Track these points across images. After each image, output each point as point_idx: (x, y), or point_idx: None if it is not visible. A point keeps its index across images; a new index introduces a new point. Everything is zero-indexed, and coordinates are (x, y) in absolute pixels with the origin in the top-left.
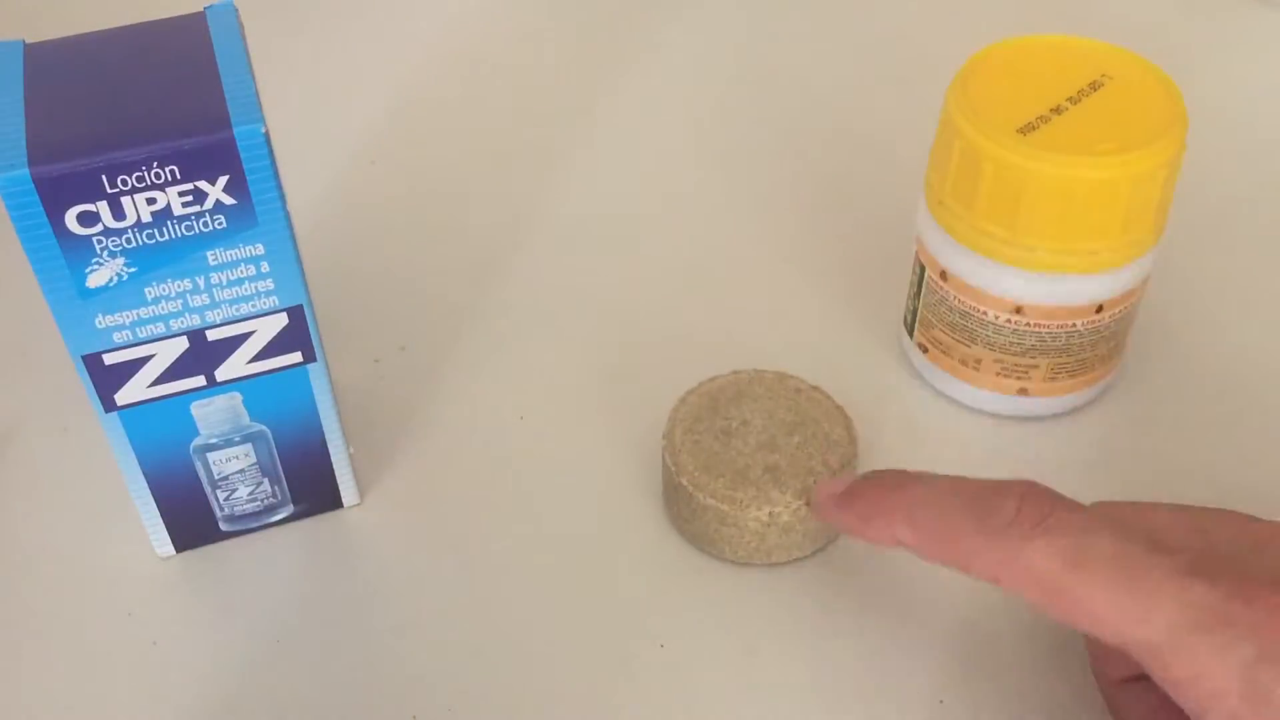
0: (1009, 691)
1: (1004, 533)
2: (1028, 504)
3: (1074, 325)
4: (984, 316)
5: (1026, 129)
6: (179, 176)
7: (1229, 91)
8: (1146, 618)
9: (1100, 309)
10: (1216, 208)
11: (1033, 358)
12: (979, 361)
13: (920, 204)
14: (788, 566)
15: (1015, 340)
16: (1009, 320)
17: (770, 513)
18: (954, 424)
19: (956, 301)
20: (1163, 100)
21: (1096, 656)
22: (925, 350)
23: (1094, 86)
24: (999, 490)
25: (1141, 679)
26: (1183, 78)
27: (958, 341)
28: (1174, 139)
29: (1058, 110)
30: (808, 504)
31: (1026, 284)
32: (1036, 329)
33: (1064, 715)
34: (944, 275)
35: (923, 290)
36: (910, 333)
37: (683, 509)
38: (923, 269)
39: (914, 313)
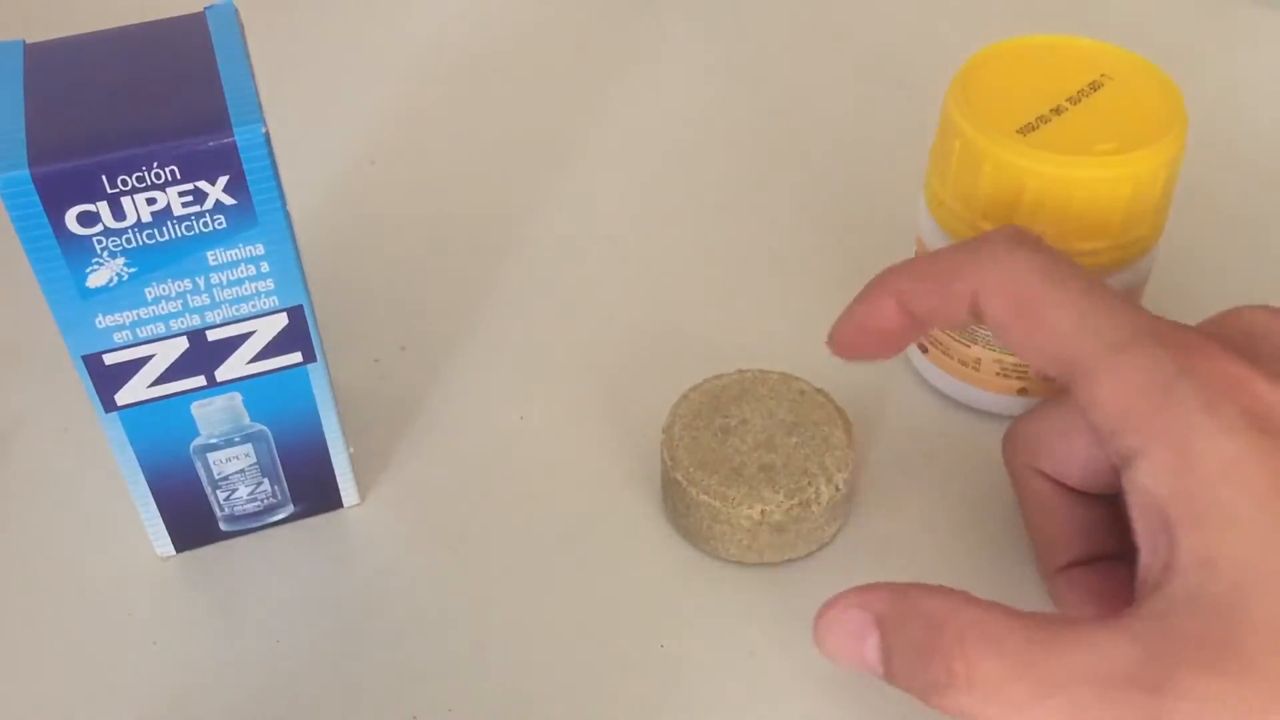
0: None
1: (990, 242)
2: (1015, 229)
3: None
4: None
5: (1026, 129)
6: (179, 176)
7: (1229, 91)
8: (1096, 332)
9: None
10: (1216, 208)
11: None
12: (979, 362)
13: (920, 204)
14: (788, 567)
15: None
16: None
17: (762, 511)
18: (954, 424)
19: None
20: (1162, 100)
21: (1041, 545)
22: (925, 350)
23: (1094, 87)
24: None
25: (1079, 564)
26: (1183, 78)
27: (957, 342)
28: (1174, 139)
29: (1058, 110)
30: (801, 505)
31: None
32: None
33: None
34: None
35: None
36: None
37: (678, 504)
38: None
39: None
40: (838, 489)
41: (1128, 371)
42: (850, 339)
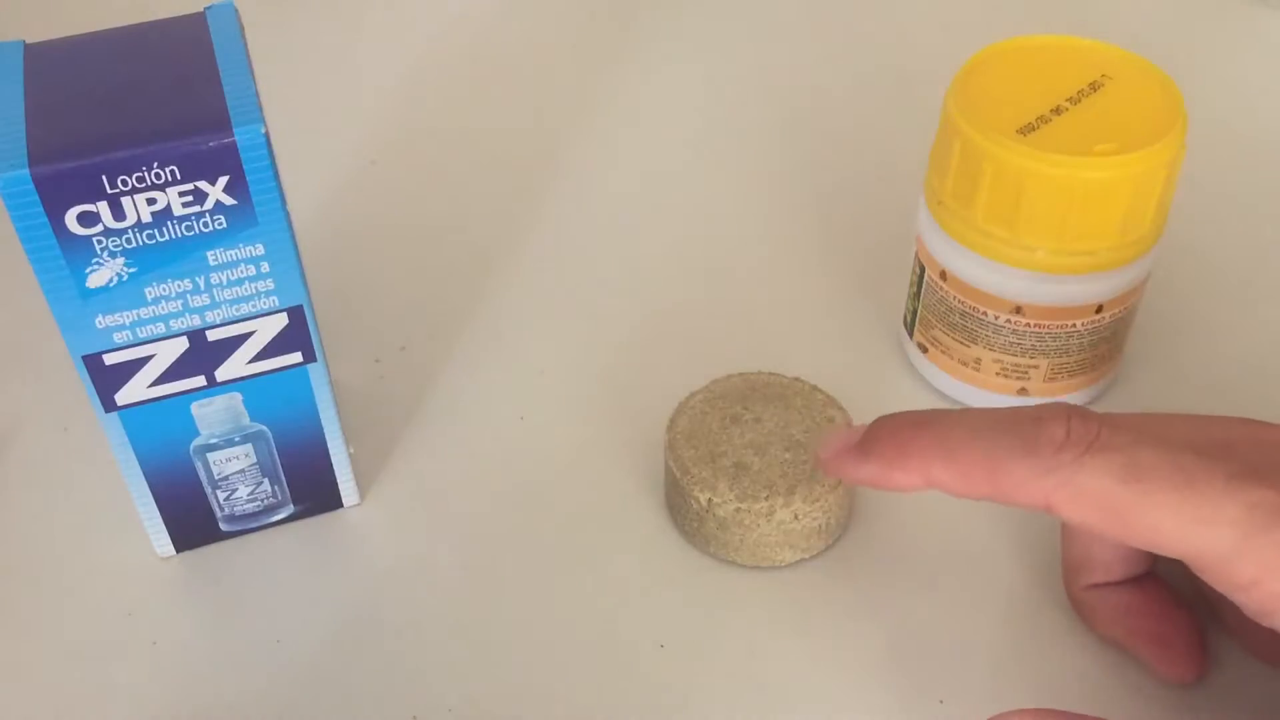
0: (1009, 691)
1: (1055, 457)
2: (1074, 425)
3: (1074, 325)
4: (984, 317)
5: (1026, 129)
6: (179, 177)
7: (1229, 92)
8: (1212, 521)
9: (1100, 309)
10: (1216, 208)
11: (1032, 358)
12: (979, 361)
13: (920, 204)
14: (788, 567)
15: (1015, 340)
16: (1009, 320)
17: (709, 500)
18: None
19: (956, 302)
20: (1162, 101)
21: (1070, 567)
22: (925, 350)
23: (1094, 87)
24: (1040, 417)
25: (1110, 585)
26: (1183, 78)
27: (958, 342)
28: (1174, 140)
29: (1058, 111)
30: (748, 511)
31: (1026, 284)
32: (1036, 329)
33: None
34: (944, 275)
35: (922, 290)
36: (910, 333)
37: (665, 464)
38: (922, 269)
39: (914, 313)
40: (795, 517)
41: (1265, 553)
42: (854, 481)
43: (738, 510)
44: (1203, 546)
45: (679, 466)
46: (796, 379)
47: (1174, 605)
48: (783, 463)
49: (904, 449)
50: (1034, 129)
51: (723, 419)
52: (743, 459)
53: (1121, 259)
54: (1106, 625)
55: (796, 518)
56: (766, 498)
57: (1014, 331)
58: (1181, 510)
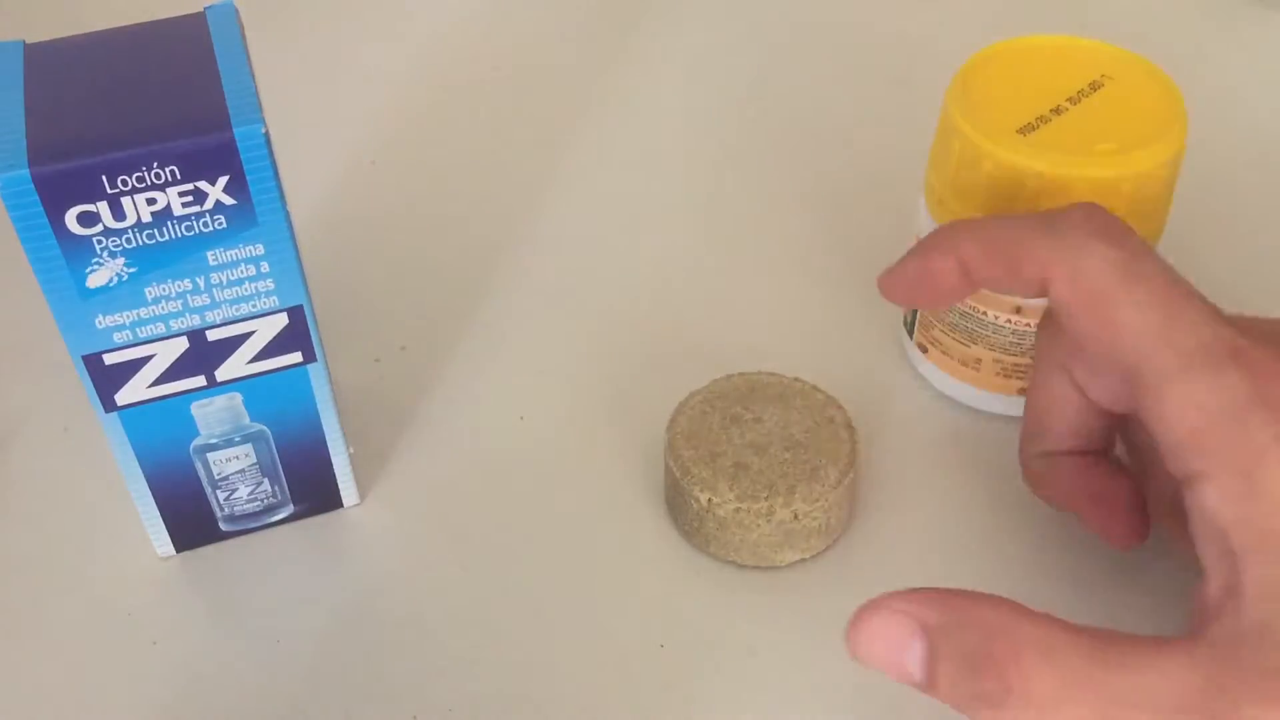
0: None
1: (1068, 232)
2: (1095, 213)
3: None
4: (984, 317)
5: (1026, 129)
6: (179, 177)
7: (1230, 92)
8: (1169, 342)
9: None
10: (1216, 208)
11: (1033, 358)
12: (979, 362)
13: (920, 203)
14: (788, 566)
15: (1015, 341)
16: (1009, 320)
17: (709, 500)
18: (954, 424)
19: None
20: (1163, 101)
21: (1026, 434)
22: (925, 351)
23: (1094, 87)
24: (1067, 207)
25: (1060, 453)
26: (1183, 78)
27: (958, 342)
28: (1174, 139)
29: (1058, 110)
30: (747, 512)
31: None
32: (1036, 330)
33: None
34: None
35: None
36: (910, 333)
37: (664, 464)
38: None
39: (914, 313)
40: (795, 516)
41: (1200, 394)
42: (903, 286)
43: (737, 510)
44: (1150, 361)
45: (679, 466)
46: (796, 379)
47: (1118, 474)
48: (783, 462)
49: (941, 234)
50: (1034, 128)
51: (723, 419)
52: (743, 459)
53: None
54: (1052, 490)
55: (796, 517)
56: (766, 498)
57: (1014, 332)
58: (1149, 319)
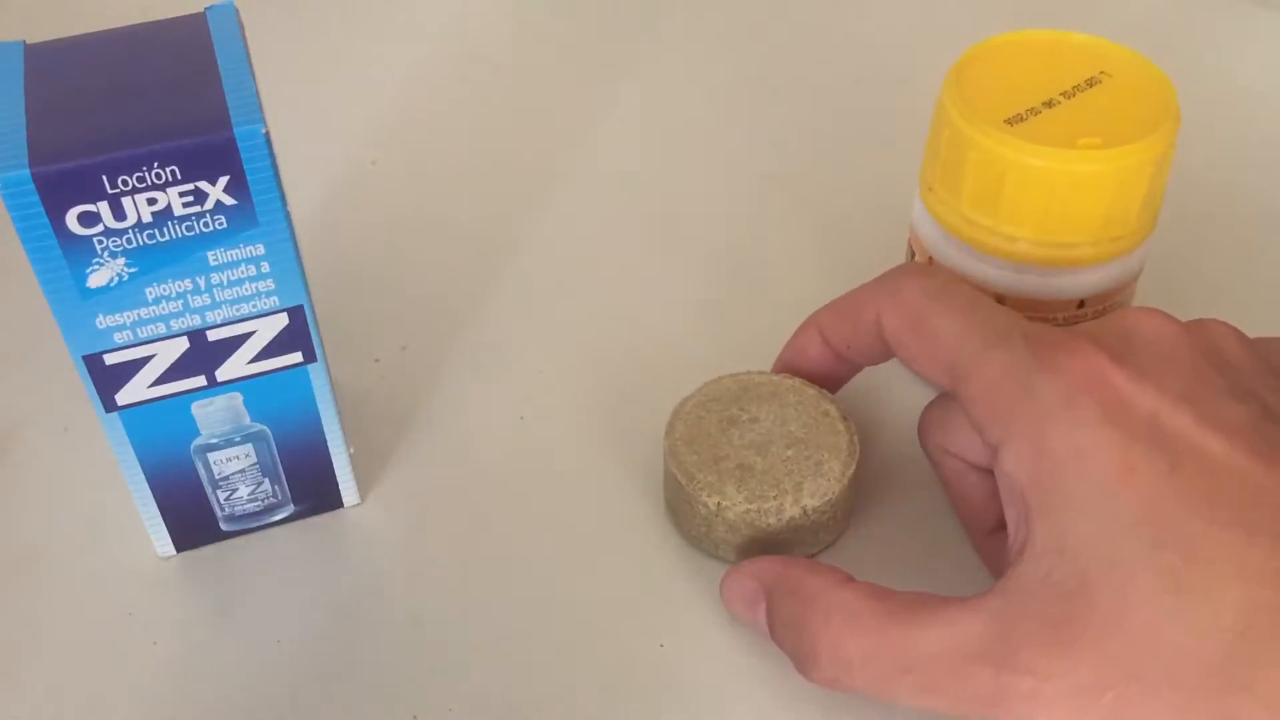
0: None
1: (889, 276)
2: (914, 264)
3: (1055, 319)
4: None
5: (1014, 120)
6: (179, 177)
7: (1229, 92)
8: (972, 333)
9: (1082, 304)
10: (1215, 209)
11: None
12: None
13: (916, 197)
14: None
15: None
16: None
17: (719, 503)
18: (923, 403)
19: None
20: (1156, 99)
21: (965, 517)
22: None
23: (1090, 83)
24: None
25: (1002, 529)
26: (1184, 78)
27: None
28: (1160, 137)
29: (1050, 104)
30: (758, 512)
31: (1008, 274)
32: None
33: None
34: (931, 262)
35: None
36: None
37: (665, 470)
38: (913, 255)
39: None
40: (804, 512)
41: (994, 368)
42: (782, 366)
43: (747, 511)
44: (959, 354)
45: (683, 473)
46: (786, 376)
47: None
48: (785, 460)
49: (808, 318)
50: (1022, 120)
51: (720, 421)
52: (745, 460)
53: (1104, 255)
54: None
55: (805, 513)
56: (775, 496)
57: None
58: (956, 321)
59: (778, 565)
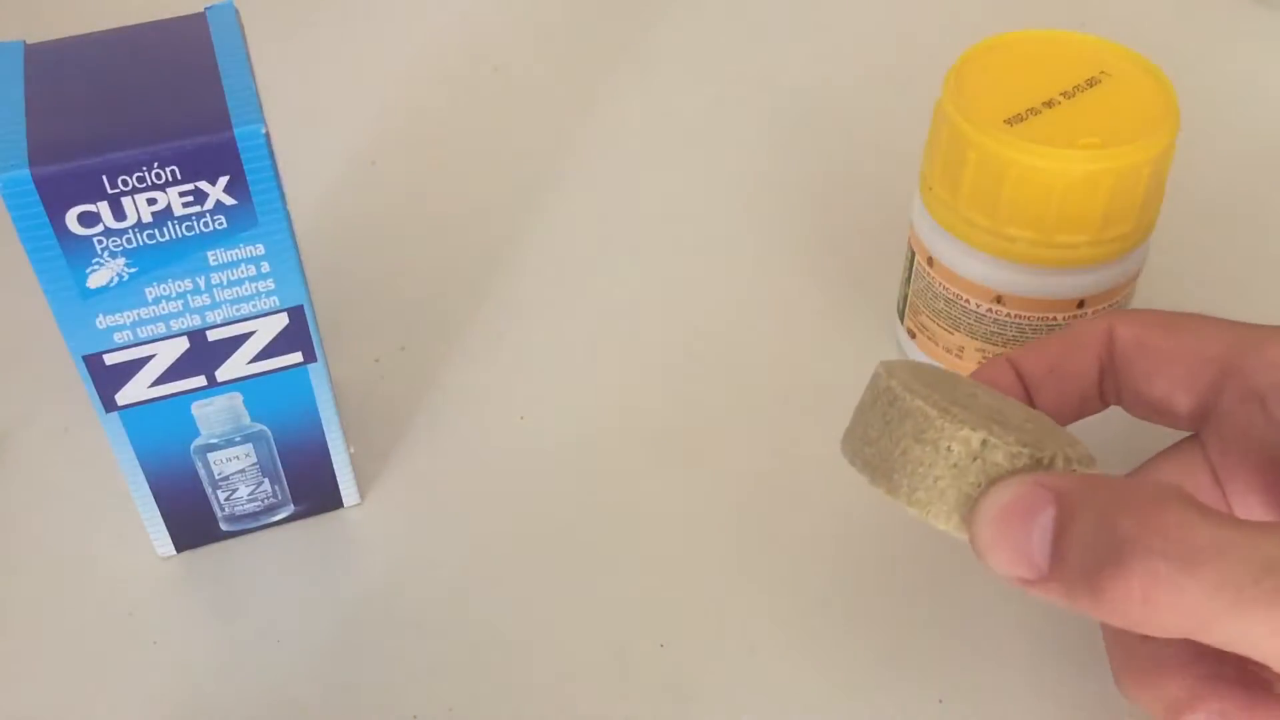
0: (1009, 691)
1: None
2: None
3: (1055, 319)
4: (966, 304)
5: (1014, 120)
6: (179, 177)
7: (1229, 92)
8: (1252, 328)
9: (1082, 304)
10: (1214, 209)
11: (1014, 348)
12: (962, 349)
13: (916, 195)
14: (787, 568)
15: (997, 330)
16: (990, 309)
17: (984, 441)
18: None
19: (941, 288)
20: (1157, 99)
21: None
22: (914, 336)
23: (1090, 83)
24: None
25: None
26: (1184, 78)
27: (942, 328)
28: (1160, 137)
29: (1050, 104)
30: (1032, 459)
31: (1007, 274)
32: (1017, 320)
33: (1063, 714)
34: (930, 261)
35: (912, 276)
36: (901, 318)
37: (873, 420)
38: (913, 254)
39: (905, 298)
40: (1069, 463)
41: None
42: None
43: (1018, 455)
44: (1241, 341)
45: (932, 404)
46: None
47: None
48: (1032, 428)
49: (994, 359)
50: (1022, 119)
51: (939, 382)
52: (991, 412)
53: (1103, 255)
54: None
55: (1069, 463)
56: (1047, 449)
57: (995, 321)
58: (1218, 323)
59: (1070, 477)
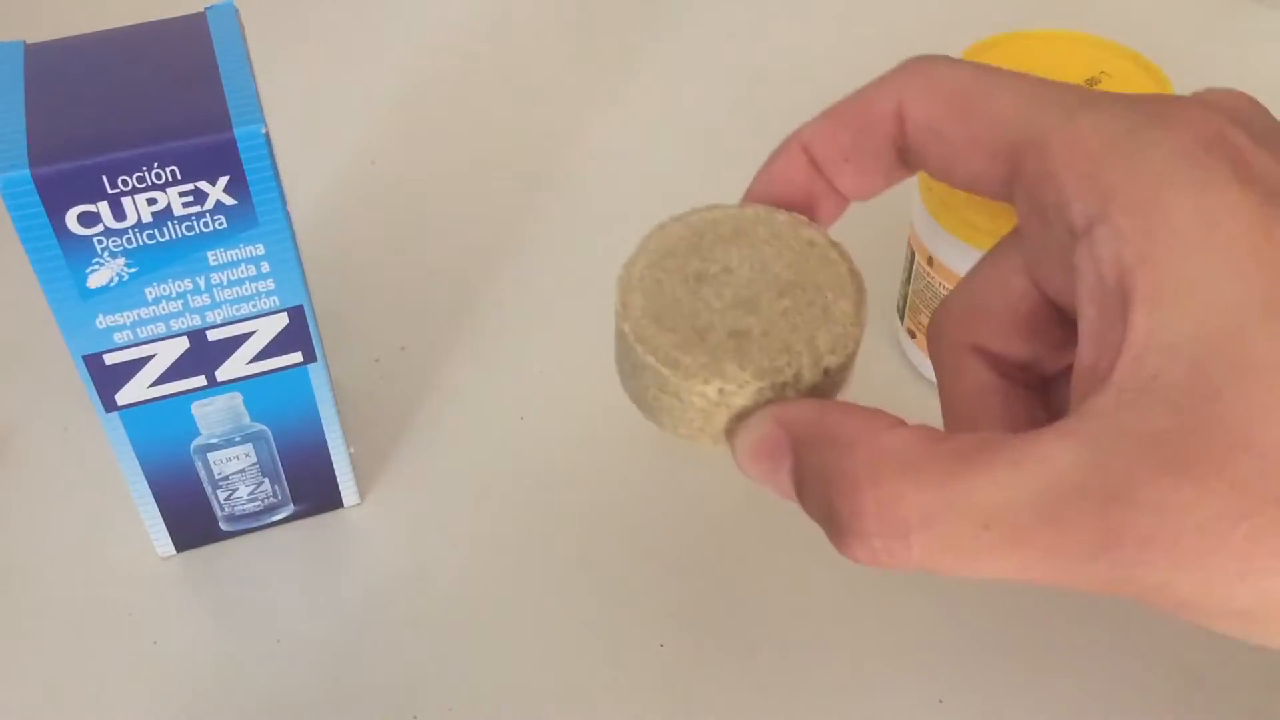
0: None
1: (912, 62)
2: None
3: None
4: None
5: None
6: (179, 177)
7: None
8: (1049, 103)
9: None
10: None
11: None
12: None
13: (915, 190)
14: (788, 567)
15: None
16: None
17: (720, 390)
18: (935, 407)
19: (941, 288)
20: None
21: (954, 426)
22: (914, 336)
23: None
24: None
25: (978, 350)
26: (1183, 78)
27: None
28: None
29: None
30: (772, 388)
31: None
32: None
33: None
34: (930, 261)
35: (912, 276)
36: (901, 318)
37: (623, 361)
38: (913, 254)
39: (905, 298)
40: (826, 374)
41: (1088, 129)
42: (754, 198)
43: (759, 391)
44: (1030, 129)
45: (663, 359)
46: (748, 206)
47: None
48: (784, 312)
49: (791, 135)
50: None
51: (685, 280)
52: (736, 324)
53: None
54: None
55: (829, 375)
56: (789, 364)
57: None
58: (1029, 94)
59: (807, 409)
